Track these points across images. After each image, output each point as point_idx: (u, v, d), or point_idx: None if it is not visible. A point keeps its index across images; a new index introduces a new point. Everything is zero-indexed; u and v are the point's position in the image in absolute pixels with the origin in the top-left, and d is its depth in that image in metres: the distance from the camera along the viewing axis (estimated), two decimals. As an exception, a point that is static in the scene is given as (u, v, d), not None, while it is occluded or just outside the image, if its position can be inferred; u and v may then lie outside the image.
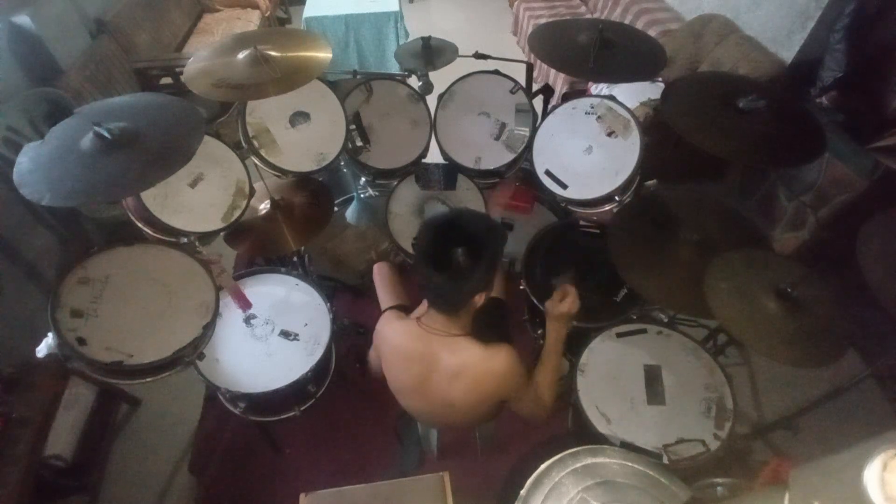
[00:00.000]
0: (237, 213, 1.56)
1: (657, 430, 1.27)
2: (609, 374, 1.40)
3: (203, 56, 1.41)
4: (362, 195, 2.19)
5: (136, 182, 1.10)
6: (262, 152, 1.67)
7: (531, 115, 1.88)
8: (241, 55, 1.36)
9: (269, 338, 1.57)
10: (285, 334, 1.57)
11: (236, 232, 1.62)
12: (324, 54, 1.43)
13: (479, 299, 1.13)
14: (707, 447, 1.24)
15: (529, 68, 2.13)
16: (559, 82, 3.29)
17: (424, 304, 1.42)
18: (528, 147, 1.85)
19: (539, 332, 1.70)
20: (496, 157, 1.91)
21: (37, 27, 2.38)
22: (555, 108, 1.81)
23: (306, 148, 1.74)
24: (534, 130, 1.85)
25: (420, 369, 1.18)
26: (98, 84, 2.65)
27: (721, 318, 1.19)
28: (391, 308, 1.41)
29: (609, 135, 1.69)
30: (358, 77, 1.90)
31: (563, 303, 1.31)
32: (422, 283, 1.14)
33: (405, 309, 1.56)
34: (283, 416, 1.61)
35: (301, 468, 1.87)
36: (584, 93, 2.94)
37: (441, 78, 1.89)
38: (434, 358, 1.16)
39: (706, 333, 1.68)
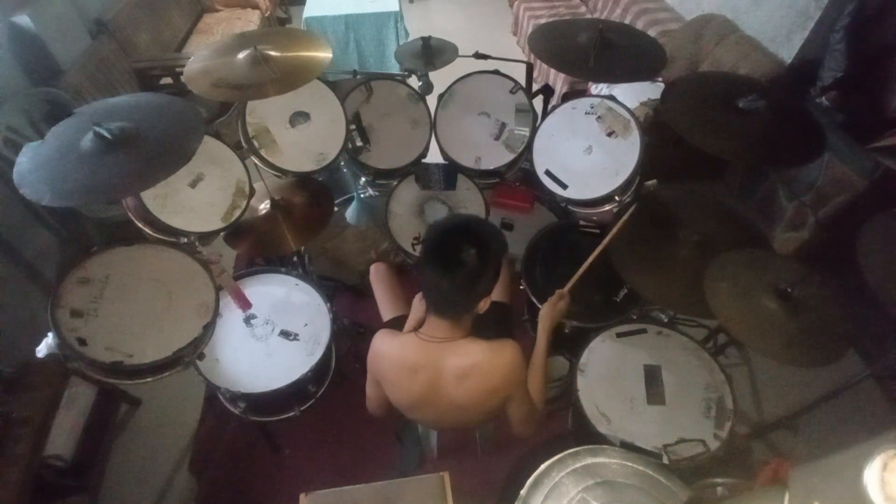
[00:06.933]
0: (237, 213, 1.56)
1: (657, 430, 1.27)
2: (609, 374, 1.40)
3: (203, 56, 1.41)
4: (362, 195, 2.19)
5: (136, 182, 1.10)
6: (262, 152, 1.67)
7: (531, 115, 1.88)
8: (241, 55, 1.36)
9: (268, 338, 1.57)
10: (285, 334, 1.57)
11: (236, 232, 1.63)
12: (324, 54, 1.43)
13: (484, 305, 1.12)
14: (707, 447, 1.24)
15: (529, 68, 2.13)
16: (559, 82, 3.29)
17: (416, 313, 1.41)
18: (528, 147, 1.85)
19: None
20: (496, 157, 1.91)
21: (37, 27, 2.38)
22: (555, 108, 1.81)
23: (306, 148, 1.74)
24: (534, 130, 1.85)
25: (426, 377, 1.15)
26: (98, 84, 2.65)
27: (721, 318, 1.19)
28: (383, 328, 1.33)
29: (609, 135, 1.69)
30: (358, 77, 1.90)
31: (560, 304, 1.37)
32: (427, 286, 1.11)
33: (405, 319, 1.56)
34: (283, 416, 1.61)
35: (301, 468, 1.86)
36: (584, 93, 2.94)
37: (441, 78, 1.89)
38: (440, 364, 1.13)
39: (706, 333, 1.68)
